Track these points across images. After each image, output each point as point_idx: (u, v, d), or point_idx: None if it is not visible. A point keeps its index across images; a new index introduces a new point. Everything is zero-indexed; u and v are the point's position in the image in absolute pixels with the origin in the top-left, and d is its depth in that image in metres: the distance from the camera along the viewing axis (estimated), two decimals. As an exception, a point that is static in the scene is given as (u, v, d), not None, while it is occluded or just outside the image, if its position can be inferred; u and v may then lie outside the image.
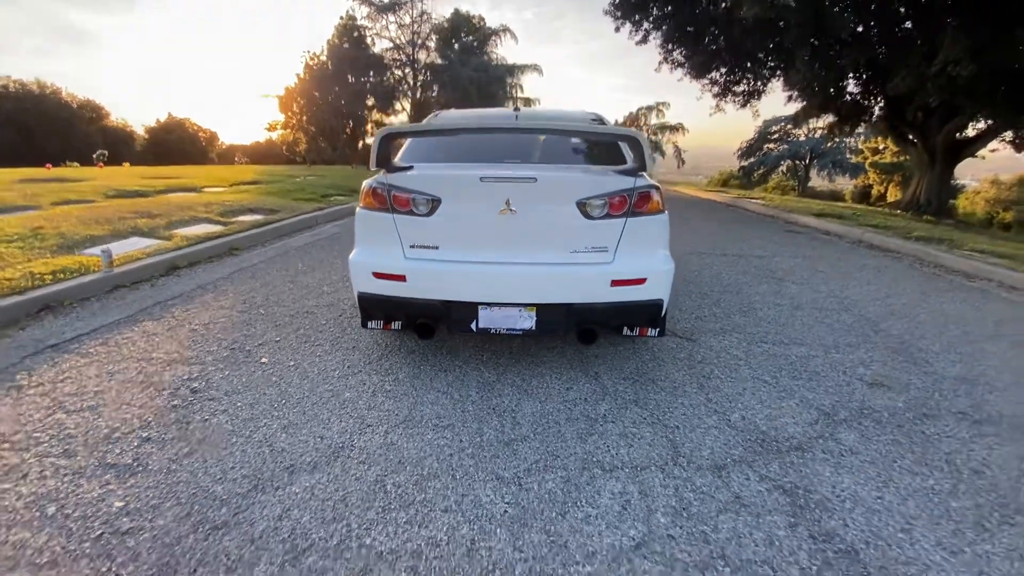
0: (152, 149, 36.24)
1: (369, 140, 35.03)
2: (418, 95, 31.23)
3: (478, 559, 1.53)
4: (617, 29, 13.99)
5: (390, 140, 2.53)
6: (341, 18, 28.42)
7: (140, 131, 39.12)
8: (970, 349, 3.26)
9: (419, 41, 29.74)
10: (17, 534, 1.59)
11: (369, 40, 29.24)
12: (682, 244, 6.42)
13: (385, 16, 28.41)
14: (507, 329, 2.47)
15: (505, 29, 30.64)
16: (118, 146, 33.12)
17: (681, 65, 14.32)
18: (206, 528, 1.62)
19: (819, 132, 23.87)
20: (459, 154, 2.87)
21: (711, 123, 16.37)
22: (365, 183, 2.57)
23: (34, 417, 2.22)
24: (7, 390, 2.44)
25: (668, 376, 2.74)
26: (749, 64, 13.88)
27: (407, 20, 28.73)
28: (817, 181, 34.34)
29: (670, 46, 13.92)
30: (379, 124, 34.17)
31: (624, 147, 2.81)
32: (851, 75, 11.75)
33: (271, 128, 33.31)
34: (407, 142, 2.97)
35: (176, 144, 36.86)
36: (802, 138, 32.58)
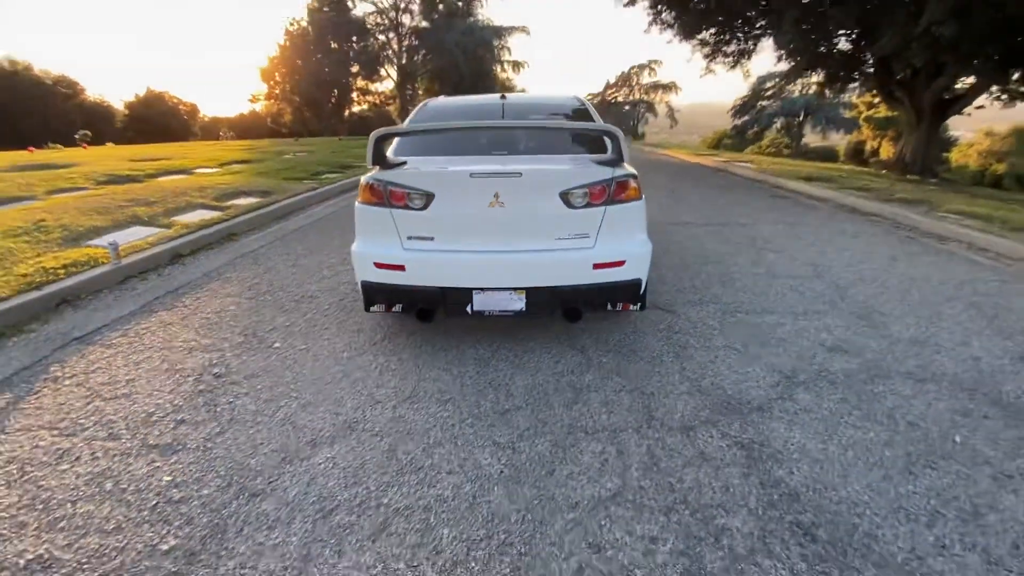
0: (133, 126, 35.23)
1: (355, 108, 34.32)
2: (403, 61, 30.46)
3: (479, 511, 1.82)
4: (605, -10, 13.68)
5: (383, 140, 2.69)
6: (320, -19, 27.42)
7: (119, 106, 37.95)
8: (927, 312, 3.54)
9: (402, 4, 28.81)
10: (83, 507, 1.86)
11: (351, 3, 28.29)
12: (669, 214, 6.62)
13: (365, -23, 27.48)
14: (500, 311, 2.71)
15: (490, -13, 29.66)
16: (98, 123, 32.17)
17: (670, 26, 14.09)
18: (246, 495, 1.89)
19: (813, 88, 23.57)
20: (449, 146, 3.03)
21: (707, 77, 16.17)
22: (363, 179, 2.75)
23: (75, 405, 2.47)
24: (44, 382, 2.68)
25: (648, 347, 3.01)
26: (739, 23, 13.68)
27: (388, -19, 27.80)
28: (811, 137, 34.12)
29: (659, 7, 13.66)
30: (364, 92, 33.42)
31: (604, 137, 2.98)
32: (841, 33, 11.65)
33: (254, 100, 32.55)
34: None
35: (158, 119, 35.83)
36: (796, 94, 32.16)
